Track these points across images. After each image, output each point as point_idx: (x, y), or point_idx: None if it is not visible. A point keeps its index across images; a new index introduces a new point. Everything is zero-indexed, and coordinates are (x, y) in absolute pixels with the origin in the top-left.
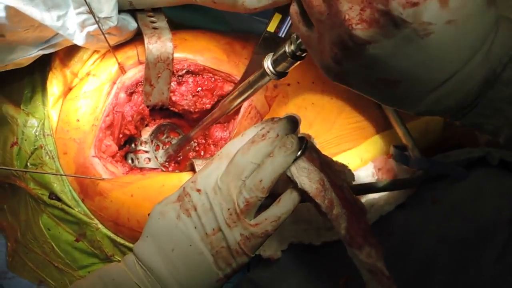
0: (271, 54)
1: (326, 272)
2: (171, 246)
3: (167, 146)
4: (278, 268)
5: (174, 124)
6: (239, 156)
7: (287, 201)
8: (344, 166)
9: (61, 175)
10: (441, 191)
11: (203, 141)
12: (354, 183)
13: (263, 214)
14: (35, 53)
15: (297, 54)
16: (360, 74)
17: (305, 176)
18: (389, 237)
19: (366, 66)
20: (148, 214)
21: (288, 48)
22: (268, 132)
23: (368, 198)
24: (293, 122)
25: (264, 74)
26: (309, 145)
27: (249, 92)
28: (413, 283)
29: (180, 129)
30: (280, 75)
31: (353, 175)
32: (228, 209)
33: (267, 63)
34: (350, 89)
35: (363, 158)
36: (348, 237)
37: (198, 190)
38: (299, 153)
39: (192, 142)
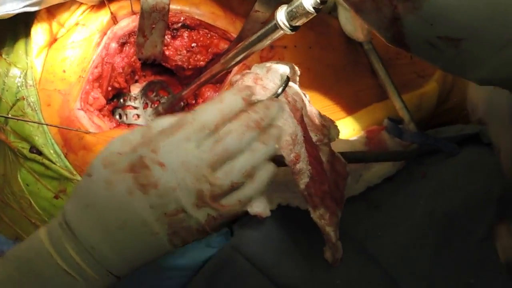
0: (284, 6)
1: (311, 237)
2: (118, 224)
3: (157, 105)
4: (264, 231)
5: (165, 82)
6: (221, 131)
7: (262, 176)
8: (330, 121)
9: (45, 124)
10: (432, 166)
11: (193, 101)
12: (345, 150)
13: (236, 195)
14: (20, 9)
15: (316, 6)
16: (420, 32)
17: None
18: (376, 209)
19: (427, 20)
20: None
21: None
22: (256, 112)
23: (357, 168)
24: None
25: (275, 27)
26: (295, 91)
27: (256, 47)
28: (398, 256)
29: (171, 88)
30: (294, 29)
31: (338, 132)
32: (199, 190)
33: (281, 16)
34: (404, 51)
35: (356, 127)
36: (306, 194)
37: (161, 165)
38: (279, 90)
39: (182, 102)
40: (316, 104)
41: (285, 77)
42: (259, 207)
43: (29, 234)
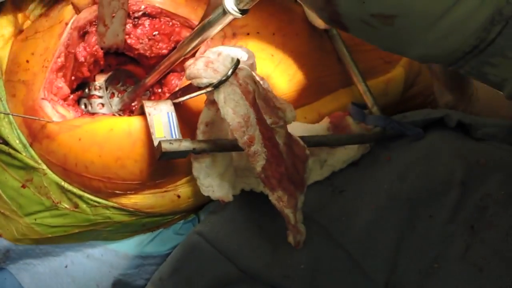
0: None
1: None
2: None
3: (122, 95)
4: (228, 217)
5: (130, 72)
6: None
7: None
8: (286, 104)
9: (8, 114)
10: (396, 150)
11: (159, 90)
12: (307, 134)
13: None
14: None
15: None
16: (354, 10)
17: (231, 108)
18: (341, 194)
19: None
20: None
21: None
22: None
23: (322, 153)
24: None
25: (224, 12)
26: (246, 74)
27: (207, 32)
28: (362, 240)
29: (137, 77)
30: (243, 12)
31: (294, 114)
32: None
33: (228, 0)
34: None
35: (321, 113)
36: (263, 176)
37: None
38: (229, 72)
39: (148, 91)
40: (280, 90)
41: (235, 60)
42: (221, 192)
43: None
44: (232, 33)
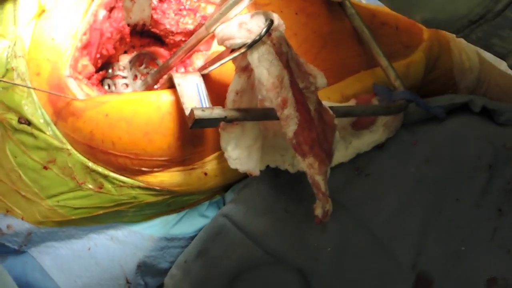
0: None
1: (301, 205)
2: None
3: (145, 77)
4: (255, 200)
5: (153, 54)
6: None
7: None
8: (317, 71)
9: (33, 89)
10: (422, 134)
11: (182, 70)
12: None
13: None
14: None
15: None
16: None
17: (265, 68)
18: (366, 177)
19: None
20: None
21: None
22: None
23: (347, 134)
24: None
25: None
26: (280, 35)
27: (233, 10)
28: (388, 223)
29: (160, 60)
30: None
31: (325, 81)
32: None
33: None
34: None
35: (343, 93)
36: (294, 142)
37: None
38: (263, 31)
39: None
40: None
41: (269, 20)
42: (249, 165)
43: (20, 207)
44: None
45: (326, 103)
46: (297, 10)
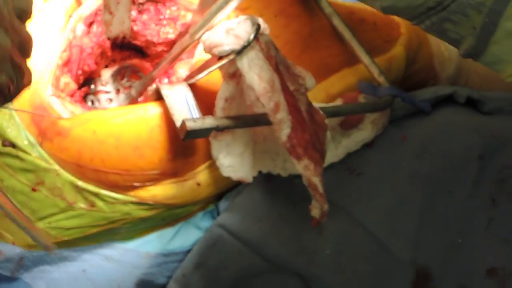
0: None
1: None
2: None
3: (128, 90)
4: (250, 207)
5: (135, 66)
6: None
7: None
8: (304, 72)
9: (16, 110)
10: (410, 129)
11: (166, 81)
12: (320, 106)
13: None
14: None
15: None
16: None
17: (256, 73)
18: (358, 176)
19: None
20: None
21: None
22: None
23: (336, 134)
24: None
25: None
26: (267, 39)
27: (215, 18)
28: (384, 220)
29: (142, 73)
30: None
31: (314, 81)
32: None
33: None
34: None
35: (329, 92)
36: (288, 145)
37: None
38: (251, 36)
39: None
40: None
41: (256, 25)
42: (242, 172)
43: (10, 231)
44: (235, 16)
45: (316, 105)
46: (276, 12)
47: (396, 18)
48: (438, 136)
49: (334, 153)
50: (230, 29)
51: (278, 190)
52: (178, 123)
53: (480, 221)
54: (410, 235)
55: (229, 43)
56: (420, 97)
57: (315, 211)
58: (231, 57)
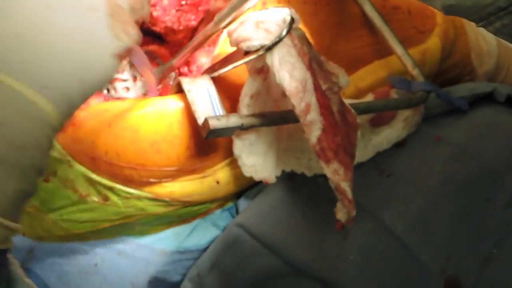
0: None
1: (319, 210)
2: None
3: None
4: (271, 207)
5: (153, 53)
6: None
7: None
8: (338, 69)
9: None
10: (446, 129)
11: (185, 69)
12: (350, 103)
13: None
14: None
15: None
16: None
17: (287, 72)
18: (388, 177)
19: None
20: None
21: None
22: None
23: (365, 132)
24: None
25: None
26: (301, 34)
27: (243, 5)
28: (414, 226)
29: (160, 60)
30: None
31: (348, 79)
32: None
33: None
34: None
35: (358, 86)
36: (318, 148)
37: None
38: (284, 32)
39: (174, 72)
40: None
41: (290, 18)
42: (265, 172)
43: (21, 222)
44: (262, 2)
45: (346, 101)
46: None
47: (430, 7)
48: (476, 138)
49: (363, 153)
50: (260, 22)
51: (300, 189)
52: (200, 121)
53: None
54: (442, 244)
55: (259, 38)
56: (455, 94)
57: (341, 214)
58: (260, 53)
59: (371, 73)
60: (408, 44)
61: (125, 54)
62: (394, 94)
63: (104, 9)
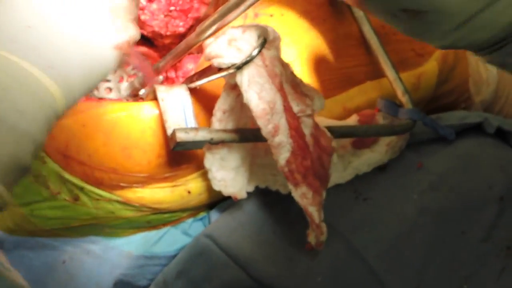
0: None
1: (291, 228)
2: None
3: (133, 79)
4: (241, 220)
5: (143, 54)
6: None
7: None
8: (314, 91)
9: None
10: (428, 157)
11: (173, 74)
12: (333, 124)
13: None
14: None
15: None
16: (380, 2)
17: (256, 92)
18: (365, 201)
19: None
20: None
21: None
22: None
23: (346, 154)
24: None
25: None
26: (273, 55)
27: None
28: (386, 254)
29: (149, 61)
30: None
31: (323, 102)
32: None
33: None
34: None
35: (346, 107)
36: (286, 170)
37: None
38: (255, 52)
39: (160, 76)
40: (304, 79)
41: (262, 38)
42: (235, 187)
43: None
44: (254, 14)
45: (327, 122)
46: (300, 13)
47: None
48: (458, 169)
49: (341, 174)
50: (233, 39)
51: (274, 206)
52: (169, 131)
53: (491, 269)
54: (411, 274)
55: (229, 56)
56: (445, 121)
57: (311, 238)
58: (230, 71)
59: (362, 93)
60: (405, 66)
61: (125, 46)
62: (380, 118)
63: (107, 4)
